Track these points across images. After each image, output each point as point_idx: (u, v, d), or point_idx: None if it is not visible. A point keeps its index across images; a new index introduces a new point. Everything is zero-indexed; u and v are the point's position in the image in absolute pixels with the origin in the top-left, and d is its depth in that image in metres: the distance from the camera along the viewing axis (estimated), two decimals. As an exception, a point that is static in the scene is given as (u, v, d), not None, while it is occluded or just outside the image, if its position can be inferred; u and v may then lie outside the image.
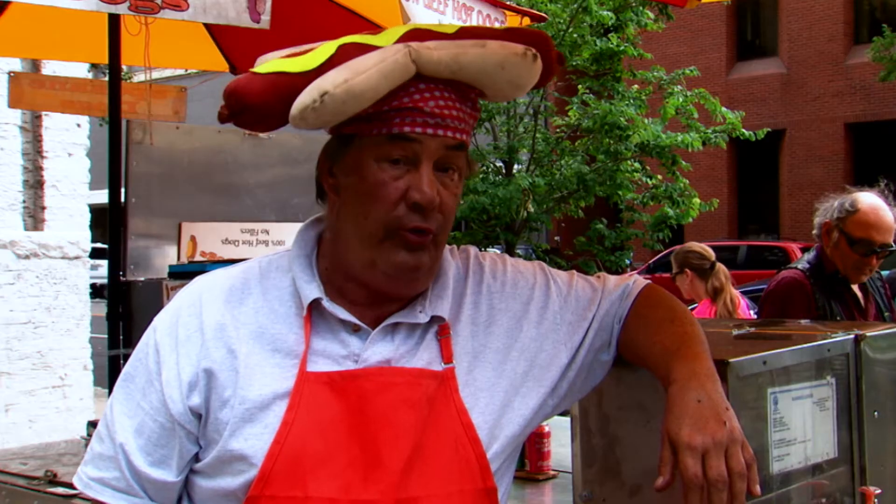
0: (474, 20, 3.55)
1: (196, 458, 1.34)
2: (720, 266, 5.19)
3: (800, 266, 3.42)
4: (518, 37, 1.37)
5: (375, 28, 1.94)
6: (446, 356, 1.36)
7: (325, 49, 1.31)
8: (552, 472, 2.61)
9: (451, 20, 3.38)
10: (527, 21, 4.02)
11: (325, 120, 1.28)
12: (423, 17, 3.22)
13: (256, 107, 1.31)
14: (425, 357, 1.35)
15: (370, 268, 1.32)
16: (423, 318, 1.36)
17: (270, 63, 1.33)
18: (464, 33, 1.36)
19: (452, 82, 1.31)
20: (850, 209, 3.28)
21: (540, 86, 1.43)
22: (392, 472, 1.28)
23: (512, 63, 1.32)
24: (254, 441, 1.28)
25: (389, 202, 1.29)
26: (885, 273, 3.66)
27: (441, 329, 1.37)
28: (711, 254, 5.30)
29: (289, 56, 1.34)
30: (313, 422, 1.28)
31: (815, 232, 3.42)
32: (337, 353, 1.33)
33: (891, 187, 3.39)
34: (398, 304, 1.37)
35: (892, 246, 3.27)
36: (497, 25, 3.59)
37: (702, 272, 5.11)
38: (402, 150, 1.29)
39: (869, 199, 3.30)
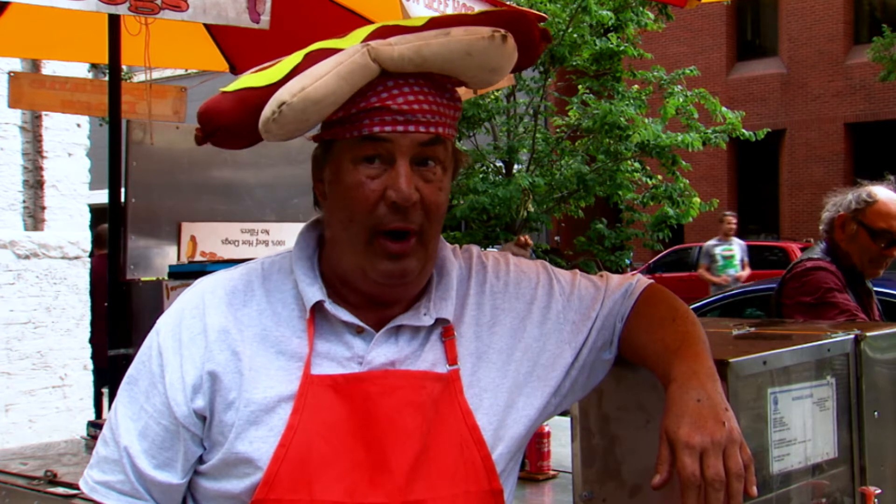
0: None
1: (200, 460, 1.33)
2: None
3: (816, 256, 3.27)
4: (494, 18, 1.33)
5: None
6: (451, 358, 1.35)
7: (293, 59, 1.31)
8: (552, 472, 2.61)
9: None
10: (527, 21, 4.00)
11: (290, 130, 1.27)
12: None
13: (227, 126, 1.31)
14: (430, 359, 1.35)
15: (361, 275, 1.32)
16: (428, 321, 1.35)
17: (239, 80, 1.33)
18: (433, 23, 1.33)
19: (425, 75, 1.29)
20: (868, 199, 3.22)
21: (526, 66, 1.39)
22: (398, 475, 1.28)
23: (479, 49, 1.28)
24: (259, 444, 1.27)
25: (368, 203, 1.28)
26: None
27: (446, 331, 1.37)
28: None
29: (258, 71, 1.33)
30: (318, 425, 1.28)
31: (823, 227, 3.32)
32: (341, 356, 1.32)
33: None
34: (401, 307, 1.36)
35: None
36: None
37: None
38: (373, 150, 1.28)
39: (885, 191, 3.27)
